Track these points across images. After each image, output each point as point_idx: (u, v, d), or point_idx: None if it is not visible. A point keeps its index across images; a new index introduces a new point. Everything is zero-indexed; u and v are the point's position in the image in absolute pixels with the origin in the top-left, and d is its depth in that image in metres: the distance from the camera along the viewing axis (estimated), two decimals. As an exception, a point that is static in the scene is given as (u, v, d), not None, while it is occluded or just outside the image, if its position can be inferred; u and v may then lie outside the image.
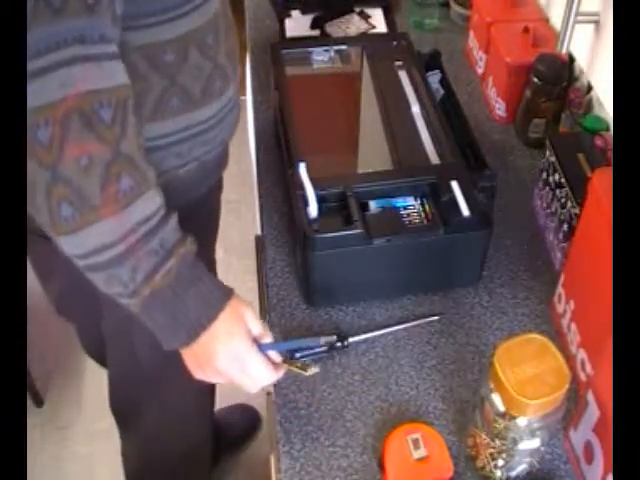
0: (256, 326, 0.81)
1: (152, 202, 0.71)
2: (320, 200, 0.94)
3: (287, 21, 1.45)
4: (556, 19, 1.27)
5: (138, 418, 1.24)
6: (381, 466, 0.83)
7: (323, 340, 0.90)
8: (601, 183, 0.82)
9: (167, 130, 0.85)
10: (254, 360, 0.79)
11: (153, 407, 1.20)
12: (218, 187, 1.10)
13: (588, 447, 0.79)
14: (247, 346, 0.79)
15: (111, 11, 0.67)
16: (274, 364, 0.82)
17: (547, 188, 1.07)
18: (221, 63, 0.89)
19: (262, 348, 0.81)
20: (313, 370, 0.84)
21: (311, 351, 0.94)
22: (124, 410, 1.23)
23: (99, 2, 0.64)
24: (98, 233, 0.68)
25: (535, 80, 1.18)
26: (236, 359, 0.78)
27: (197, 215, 0.99)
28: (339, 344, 0.95)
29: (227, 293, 0.78)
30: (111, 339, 1.12)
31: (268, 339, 0.83)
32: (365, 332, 0.97)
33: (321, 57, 1.21)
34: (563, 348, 0.91)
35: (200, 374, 0.81)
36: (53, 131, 0.63)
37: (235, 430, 1.69)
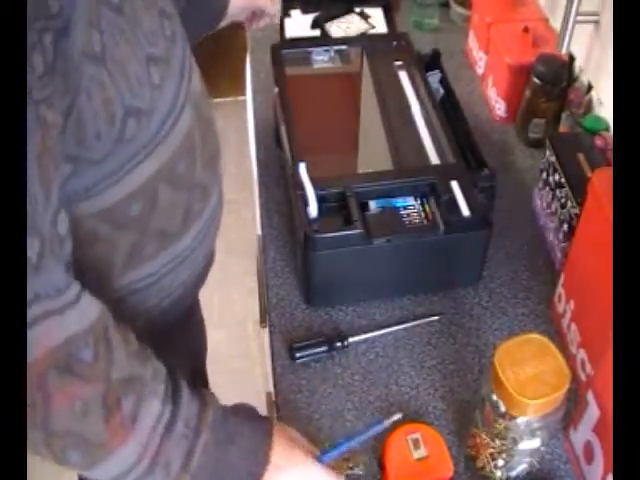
0: (305, 441, 0.78)
1: (157, 395, 0.66)
2: (320, 200, 0.94)
3: (287, 21, 1.45)
4: (556, 19, 1.27)
5: None
6: (381, 466, 0.83)
7: (387, 423, 0.81)
8: (601, 183, 0.82)
9: (144, 274, 0.77)
10: (321, 475, 0.76)
11: None
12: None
13: (588, 447, 0.79)
14: (311, 465, 0.75)
15: (59, 256, 0.62)
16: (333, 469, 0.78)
17: (547, 188, 1.07)
18: (199, 181, 0.80)
19: (323, 459, 0.78)
20: (361, 461, 0.83)
21: (311, 351, 0.94)
22: None
23: (42, 256, 0.58)
24: (116, 463, 0.65)
25: (535, 80, 1.18)
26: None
27: (186, 328, 0.97)
28: (339, 344, 0.95)
29: (266, 429, 0.73)
30: None
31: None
32: (365, 332, 0.97)
33: (321, 57, 1.21)
34: (563, 348, 0.91)
35: None
36: (32, 394, 0.59)
37: None
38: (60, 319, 0.60)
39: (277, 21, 1.23)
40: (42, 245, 0.59)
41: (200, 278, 0.91)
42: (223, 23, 1.14)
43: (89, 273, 0.71)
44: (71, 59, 0.59)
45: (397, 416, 0.82)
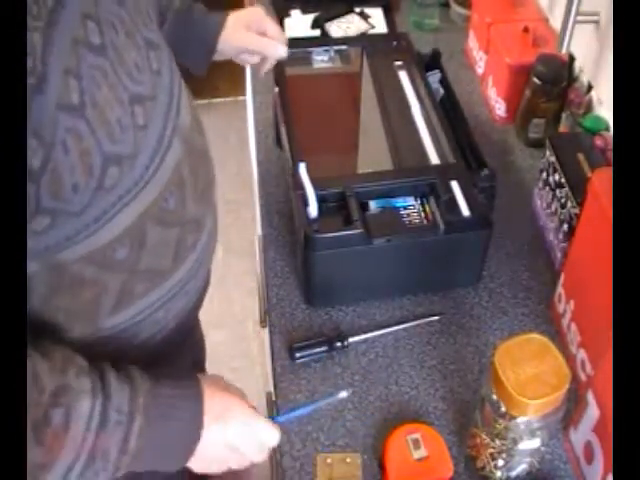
0: (235, 388, 0.78)
1: (84, 392, 0.65)
2: (320, 200, 0.94)
3: (287, 21, 1.45)
4: (556, 19, 1.27)
5: None
6: (381, 466, 0.83)
7: (341, 394, 0.84)
8: (601, 183, 0.82)
9: (135, 312, 0.76)
10: (256, 421, 0.76)
11: None
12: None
13: (588, 447, 0.79)
14: (246, 415, 0.76)
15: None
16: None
17: (547, 188, 1.07)
18: (192, 215, 0.78)
19: (275, 419, 0.80)
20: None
21: (311, 351, 0.94)
22: None
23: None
24: (56, 471, 0.65)
25: (535, 80, 1.18)
26: (243, 431, 0.76)
27: (185, 349, 0.95)
28: (339, 344, 0.95)
29: (197, 395, 0.73)
30: None
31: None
32: (365, 332, 0.97)
33: (321, 57, 1.21)
34: (563, 348, 0.91)
35: (215, 467, 0.78)
36: None
37: None
38: None
39: (284, 55, 1.07)
40: None
41: (197, 304, 0.90)
42: (218, 58, 1.06)
43: (78, 316, 0.71)
44: (45, 114, 0.57)
45: (344, 393, 0.84)
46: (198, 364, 1.27)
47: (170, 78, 0.74)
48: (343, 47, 1.23)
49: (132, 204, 0.68)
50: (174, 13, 0.99)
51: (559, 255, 1.04)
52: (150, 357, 0.82)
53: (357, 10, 1.47)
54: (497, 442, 0.77)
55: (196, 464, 0.75)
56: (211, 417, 0.73)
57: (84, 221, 0.65)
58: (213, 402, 0.73)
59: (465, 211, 0.94)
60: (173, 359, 0.94)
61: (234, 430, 0.75)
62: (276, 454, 0.90)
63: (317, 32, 1.42)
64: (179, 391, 0.73)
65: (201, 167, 0.81)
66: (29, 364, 0.63)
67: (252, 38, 1.05)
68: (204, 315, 1.19)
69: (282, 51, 1.06)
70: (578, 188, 0.95)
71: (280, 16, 1.47)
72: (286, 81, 1.14)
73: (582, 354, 0.89)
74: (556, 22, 1.28)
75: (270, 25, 1.07)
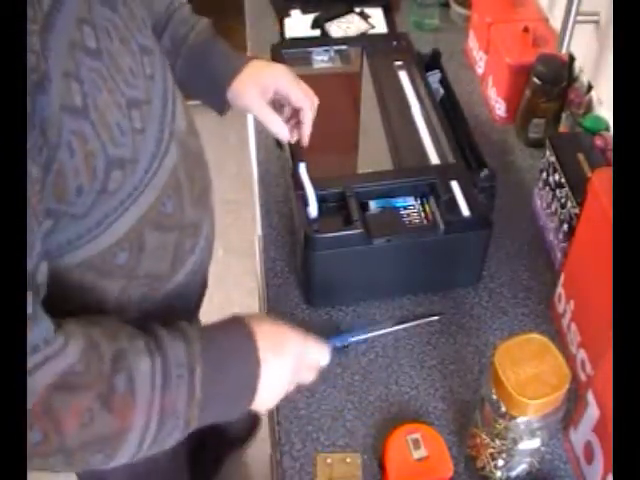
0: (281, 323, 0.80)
1: (141, 353, 0.66)
2: (320, 200, 0.94)
3: (287, 21, 1.45)
4: (556, 19, 1.27)
5: None
6: (381, 466, 0.83)
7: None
8: (601, 183, 0.82)
9: (134, 316, 0.76)
10: (310, 347, 0.78)
11: None
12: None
13: (588, 447, 0.79)
14: (298, 345, 0.77)
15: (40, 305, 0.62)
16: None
17: (547, 188, 1.07)
18: (189, 220, 0.79)
19: (330, 341, 0.83)
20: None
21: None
22: None
23: (35, 306, 0.59)
24: (132, 439, 0.65)
25: (535, 80, 1.18)
26: (297, 357, 0.77)
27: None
28: (339, 344, 0.95)
29: (248, 334, 0.73)
30: None
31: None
32: (365, 332, 0.97)
33: (321, 57, 1.21)
34: (563, 348, 0.91)
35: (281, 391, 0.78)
36: (44, 426, 0.60)
37: (235, 430, 1.68)
38: (56, 361, 0.60)
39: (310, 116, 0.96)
40: (33, 296, 0.59)
41: (195, 306, 0.91)
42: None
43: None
44: (49, 114, 0.57)
45: None
46: None
47: (163, 83, 0.75)
48: (343, 47, 1.23)
49: (132, 208, 0.69)
50: (188, 48, 0.94)
51: (559, 255, 1.04)
52: None
53: (357, 10, 1.47)
54: (497, 442, 0.77)
55: (260, 401, 0.74)
56: (266, 351, 0.72)
57: (86, 225, 0.65)
58: (264, 337, 0.73)
59: (465, 211, 0.94)
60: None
61: (289, 358, 0.75)
62: (276, 454, 0.90)
63: (317, 32, 1.42)
64: (230, 334, 0.73)
65: (197, 171, 0.81)
66: (86, 332, 0.63)
67: (261, 109, 0.94)
68: (204, 315, 1.19)
69: (300, 137, 0.95)
70: (578, 188, 0.95)
71: (280, 16, 1.47)
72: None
73: (582, 354, 0.89)
74: (556, 22, 1.28)
75: (294, 92, 0.93)
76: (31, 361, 0.58)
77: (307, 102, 0.93)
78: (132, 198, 0.68)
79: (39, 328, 0.59)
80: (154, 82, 0.72)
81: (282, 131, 0.95)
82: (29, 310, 0.58)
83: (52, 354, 0.60)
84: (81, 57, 0.60)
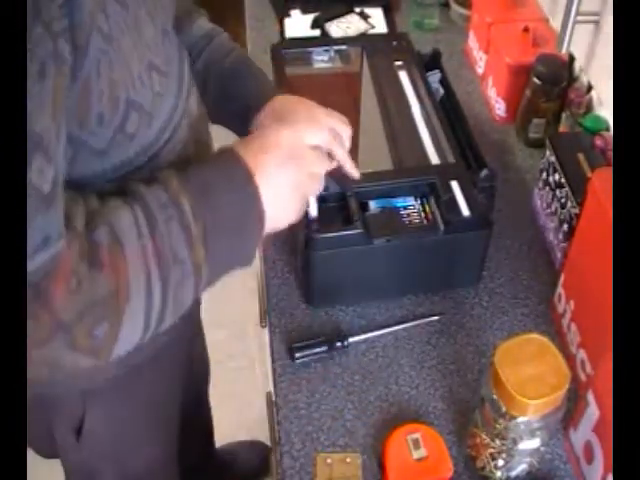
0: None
1: (118, 205, 0.63)
2: (320, 200, 0.94)
3: (287, 21, 1.45)
4: (556, 19, 1.27)
5: None
6: (381, 466, 0.83)
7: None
8: (601, 183, 0.82)
9: None
10: (303, 128, 0.74)
11: None
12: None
13: (588, 447, 0.79)
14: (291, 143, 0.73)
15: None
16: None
17: (547, 188, 1.07)
18: None
19: None
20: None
21: (311, 351, 0.94)
22: None
23: (56, 185, 0.57)
24: (137, 296, 0.61)
25: (535, 80, 1.18)
26: (294, 154, 0.72)
27: (167, 351, 0.92)
28: (339, 344, 0.95)
29: (228, 156, 0.69)
30: (70, 472, 1.07)
31: None
32: (365, 332, 0.97)
33: (321, 57, 1.21)
34: (563, 348, 0.91)
35: (299, 198, 0.74)
36: (31, 306, 0.56)
37: (241, 467, 1.66)
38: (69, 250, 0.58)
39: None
40: (56, 176, 0.56)
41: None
42: None
43: None
44: (79, 16, 0.56)
45: None
46: (201, 358, 1.27)
47: (179, 66, 0.75)
48: (343, 47, 1.22)
49: (144, 169, 0.69)
50: (220, 70, 0.93)
51: (559, 255, 1.04)
52: (152, 352, 0.83)
53: (357, 10, 1.47)
54: (497, 442, 0.77)
55: (273, 218, 0.70)
56: (252, 155, 0.68)
57: (103, 165, 0.65)
58: (246, 145, 0.70)
59: (465, 211, 0.94)
60: (174, 354, 0.94)
61: (282, 152, 0.71)
62: (276, 454, 0.90)
63: (317, 32, 1.42)
64: (209, 160, 0.70)
65: (205, 156, 0.80)
66: (61, 206, 0.59)
67: None
68: (204, 315, 1.19)
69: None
70: (578, 188, 0.95)
71: (280, 16, 1.47)
72: (286, 81, 1.14)
73: (582, 354, 0.89)
74: (556, 22, 1.28)
75: (319, 137, 0.82)
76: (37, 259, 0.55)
77: (334, 144, 0.86)
78: (146, 156, 0.68)
79: (57, 212, 0.57)
80: (172, 62, 0.73)
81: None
82: (46, 189, 0.55)
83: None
84: (110, 1, 0.61)
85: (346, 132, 0.88)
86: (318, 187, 0.77)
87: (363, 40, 1.30)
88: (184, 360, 1.06)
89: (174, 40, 0.77)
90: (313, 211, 0.93)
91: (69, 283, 0.57)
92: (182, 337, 0.98)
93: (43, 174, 0.55)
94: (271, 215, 0.70)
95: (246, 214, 0.68)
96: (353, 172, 0.89)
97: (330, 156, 0.82)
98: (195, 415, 1.31)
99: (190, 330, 1.08)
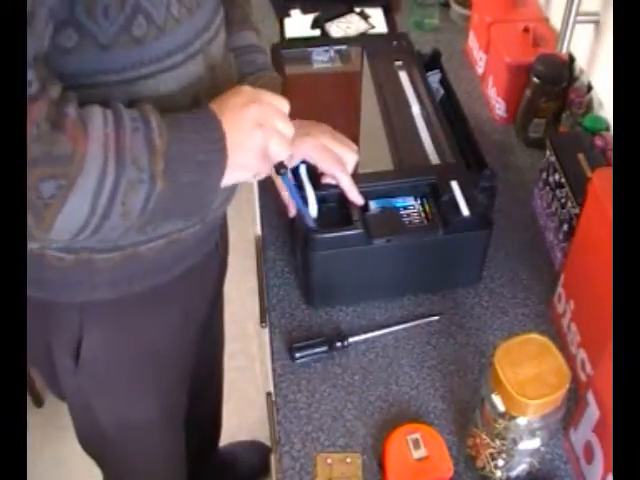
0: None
1: (94, 107, 0.66)
2: (320, 200, 0.94)
3: (287, 21, 1.45)
4: (556, 19, 1.27)
5: (104, 468, 1.21)
6: (381, 466, 0.83)
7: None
8: (601, 183, 0.82)
9: None
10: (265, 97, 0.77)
11: (117, 466, 1.17)
12: (207, 260, 1.00)
13: (588, 447, 0.79)
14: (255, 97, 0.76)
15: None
16: None
17: (547, 188, 1.07)
18: None
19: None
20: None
21: (311, 351, 0.94)
22: (92, 456, 1.18)
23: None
24: (88, 176, 0.63)
25: (535, 80, 1.18)
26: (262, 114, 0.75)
27: (180, 294, 0.95)
28: (339, 344, 0.95)
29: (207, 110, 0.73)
30: (71, 405, 1.06)
31: None
32: (365, 332, 0.97)
33: (321, 57, 1.21)
34: (563, 348, 0.91)
35: (262, 156, 0.76)
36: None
37: (241, 468, 1.66)
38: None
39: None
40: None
41: (189, 247, 0.90)
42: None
43: None
44: None
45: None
46: (219, 330, 1.33)
47: (209, 14, 0.78)
48: (343, 47, 1.22)
49: (149, 83, 0.71)
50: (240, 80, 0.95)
51: (559, 255, 1.04)
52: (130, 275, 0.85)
53: (357, 10, 1.47)
54: (497, 442, 0.77)
55: (237, 162, 0.73)
56: (220, 106, 0.73)
57: (107, 64, 0.67)
58: (215, 101, 0.74)
59: (465, 211, 0.94)
60: (187, 300, 0.98)
61: (246, 101, 0.74)
62: (276, 454, 0.90)
63: (317, 32, 1.42)
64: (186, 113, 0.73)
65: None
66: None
67: (277, 179, 0.93)
68: (204, 315, 1.19)
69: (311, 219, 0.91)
70: (578, 188, 0.95)
71: (280, 16, 1.47)
72: (286, 81, 1.14)
73: (582, 354, 0.89)
74: (556, 22, 1.28)
75: (322, 162, 0.91)
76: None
77: (337, 167, 0.91)
78: (151, 69, 0.71)
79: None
80: (203, 5, 0.76)
81: (289, 207, 0.96)
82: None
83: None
84: None
85: (352, 159, 0.91)
86: (284, 147, 0.77)
87: (363, 40, 1.30)
88: (199, 318, 1.06)
89: None
90: (313, 211, 0.93)
91: (30, 129, 0.60)
92: (195, 288, 1.00)
93: None
94: (236, 156, 0.73)
95: (211, 153, 0.71)
96: (357, 199, 0.93)
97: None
98: (205, 390, 1.32)
99: (210, 284, 1.08)
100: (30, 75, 0.61)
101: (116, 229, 0.70)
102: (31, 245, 0.66)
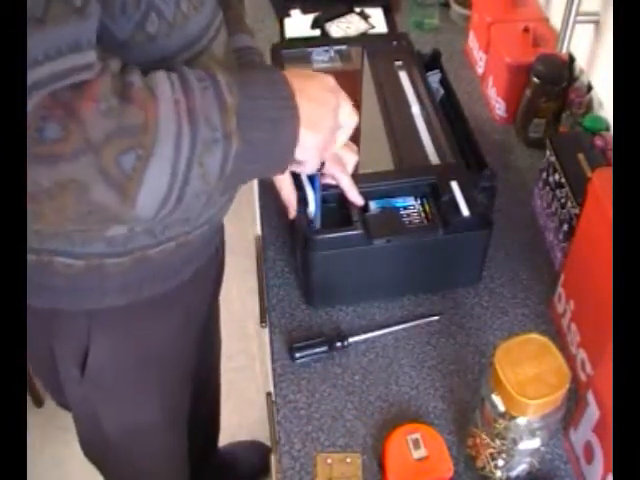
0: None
1: (162, 74, 0.65)
2: (320, 200, 0.94)
3: (287, 21, 1.45)
4: (556, 19, 1.27)
5: (107, 473, 1.21)
6: (381, 466, 0.83)
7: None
8: (601, 183, 0.82)
9: None
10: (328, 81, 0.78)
11: (121, 471, 1.17)
12: (210, 261, 1.01)
13: (588, 447, 0.79)
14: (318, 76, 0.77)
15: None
16: None
17: (547, 188, 1.07)
18: None
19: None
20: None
21: (311, 351, 0.94)
22: (93, 461, 1.18)
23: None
24: (164, 141, 0.62)
25: (535, 80, 1.18)
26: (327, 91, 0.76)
27: (185, 297, 0.95)
28: (339, 344, 0.95)
29: (269, 68, 0.76)
30: (76, 414, 1.06)
31: None
32: (365, 332, 0.97)
33: (321, 57, 1.21)
34: (563, 348, 0.91)
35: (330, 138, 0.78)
36: (57, 117, 0.58)
37: (241, 468, 1.66)
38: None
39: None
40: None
41: (198, 248, 0.90)
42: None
43: None
44: None
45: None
46: (216, 333, 1.32)
47: (212, 12, 0.78)
48: (343, 47, 1.22)
49: None
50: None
51: (559, 255, 1.04)
52: (165, 290, 0.86)
53: (357, 10, 1.47)
54: (497, 442, 0.77)
55: (311, 120, 0.72)
56: (289, 74, 0.72)
57: (123, 60, 0.66)
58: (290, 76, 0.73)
59: (465, 211, 0.94)
60: (189, 304, 0.98)
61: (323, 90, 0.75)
62: (276, 454, 0.90)
63: (317, 32, 1.42)
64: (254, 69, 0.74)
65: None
66: (92, 22, 0.61)
67: (277, 179, 0.93)
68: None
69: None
70: (578, 188, 0.95)
71: (280, 16, 1.47)
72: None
73: (582, 354, 0.89)
74: (556, 22, 1.28)
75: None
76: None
77: (337, 168, 0.91)
78: (160, 67, 0.69)
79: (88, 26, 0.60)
80: (206, 4, 0.76)
81: (289, 207, 0.94)
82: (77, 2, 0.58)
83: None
84: None
85: (352, 160, 0.91)
86: (354, 117, 0.80)
87: (363, 40, 1.30)
88: (200, 320, 1.06)
89: None
90: (313, 211, 0.93)
91: (99, 105, 0.59)
92: (198, 291, 1.00)
93: None
94: (307, 115, 0.71)
95: (281, 107, 0.70)
96: (357, 200, 0.93)
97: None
98: (205, 391, 1.32)
99: (210, 287, 1.09)
100: (91, 56, 0.60)
101: (199, 196, 0.68)
102: (117, 230, 0.65)
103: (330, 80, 0.77)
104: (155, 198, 0.64)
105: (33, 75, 0.56)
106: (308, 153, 0.76)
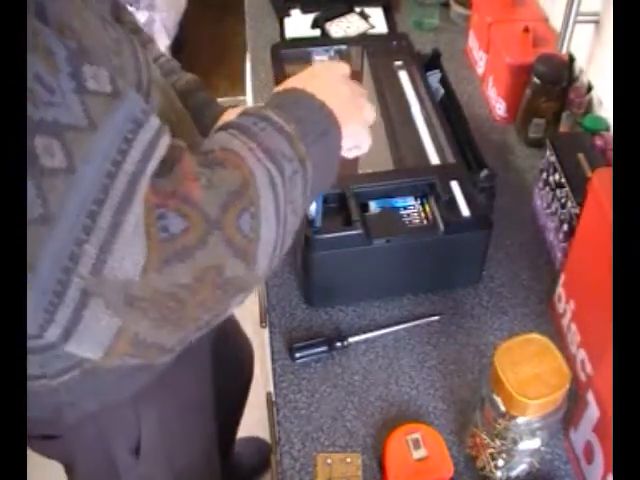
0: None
1: (224, 131, 0.66)
2: (320, 200, 0.94)
3: (287, 21, 1.45)
4: (556, 19, 1.27)
5: None
6: (381, 466, 0.83)
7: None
8: (601, 183, 0.82)
9: None
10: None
11: None
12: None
13: (588, 447, 0.79)
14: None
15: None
16: None
17: (547, 188, 1.07)
18: None
19: None
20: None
21: (311, 351, 0.94)
22: None
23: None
24: (263, 184, 0.62)
25: (535, 80, 1.18)
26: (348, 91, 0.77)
27: None
28: (339, 344, 0.95)
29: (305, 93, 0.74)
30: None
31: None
32: (365, 332, 0.97)
33: (321, 57, 1.21)
34: (563, 348, 0.91)
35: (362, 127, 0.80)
36: (173, 206, 0.56)
37: (242, 464, 1.66)
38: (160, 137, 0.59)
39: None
40: (111, 75, 0.56)
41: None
42: None
43: None
44: None
45: None
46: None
47: (131, 49, 0.74)
48: (343, 47, 1.22)
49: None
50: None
51: (559, 255, 1.04)
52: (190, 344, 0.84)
53: (357, 10, 1.47)
54: (497, 442, 0.77)
55: (344, 117, 0.74)
56: (306, 83, 0.73)
57: None
58: (299, 81, 0.75)
59: (465, 211, 0.94)
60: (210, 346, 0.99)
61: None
62: (276, 454, 0.90)
63: (317, 32, 1.42)
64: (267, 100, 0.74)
65: (186, 126, 0.83)
66: (133, 94, 0.59)
67: None
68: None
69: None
70: (578, 188, 0.95)
71: (280, 16, 1.47)
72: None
73: (582, 354, 0.89)
74: (556, 22, 1.28)
75: None
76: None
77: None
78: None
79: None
80: (121, 43, 0.72)
81: None
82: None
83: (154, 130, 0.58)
84: None
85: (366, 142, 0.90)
86: (362, 91, 0.80)
87: (363, 40, 1.30)
88: (222, 351, 1.08)
89: (118, 28, 0.75)
90: (313, 211, 0.93)
91: (199, 182, 0.58)
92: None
93: (98, 78, 0.55)
94: (340, 115, 0.73)
95: (322, 119, 0.71)
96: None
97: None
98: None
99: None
100: (138, 106, 0.58)
101: (293, 231, 0.69)
102: (243, 297, 0.63)
103: (323, 67, 0.79)
104: (267, 251, 0.63)
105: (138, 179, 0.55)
106: (356, 135, 0.78)
